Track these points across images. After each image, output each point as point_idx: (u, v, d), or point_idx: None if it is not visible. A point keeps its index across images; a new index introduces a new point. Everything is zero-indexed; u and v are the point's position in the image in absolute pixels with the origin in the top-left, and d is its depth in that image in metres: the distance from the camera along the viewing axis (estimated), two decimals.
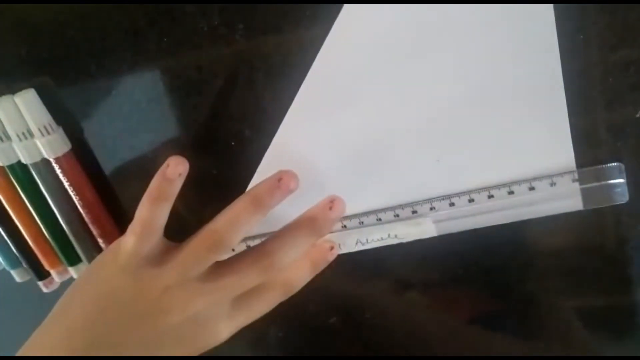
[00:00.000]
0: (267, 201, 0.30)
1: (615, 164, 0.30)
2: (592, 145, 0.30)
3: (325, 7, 0.29)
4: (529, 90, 0.30)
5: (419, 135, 0.32)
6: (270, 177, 0.31)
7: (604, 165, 0.30)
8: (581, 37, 0.28)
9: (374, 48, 0.30)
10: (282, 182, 0.30)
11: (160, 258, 0.30)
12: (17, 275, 0.40)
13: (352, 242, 0.35)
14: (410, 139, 0.32)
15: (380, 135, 0.32)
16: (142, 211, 0.30)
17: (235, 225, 0.30)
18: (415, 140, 0.32)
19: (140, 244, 0.30)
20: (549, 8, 0.28)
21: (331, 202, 0.33)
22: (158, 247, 0.31)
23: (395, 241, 0.35)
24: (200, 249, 0.30)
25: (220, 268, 0.31)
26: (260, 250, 0.31)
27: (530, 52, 0.29)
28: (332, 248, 0.35)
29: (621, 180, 0.31)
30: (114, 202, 0.37)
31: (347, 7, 0.29)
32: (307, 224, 0.32)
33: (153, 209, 0.30)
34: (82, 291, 0.31)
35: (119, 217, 0.37)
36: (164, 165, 0.30)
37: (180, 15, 0.30)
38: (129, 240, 0.30)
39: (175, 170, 0.30)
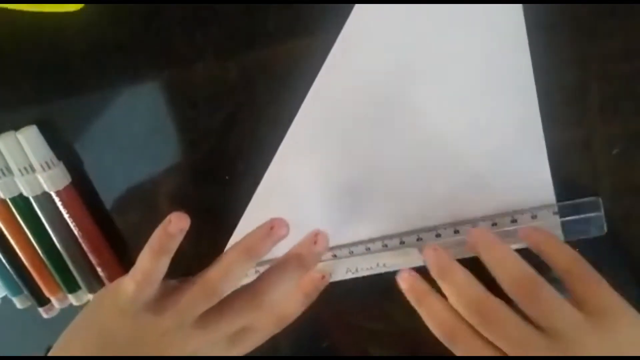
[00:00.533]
0: (259, 250, 0.31)
1: (593, 198, 0.32)
2: (571, 179, 0.31)
3: (319, 49, 0.31)
4: (509, 128, 0.31)
5: (406, 169, 0.33)
6: (261, 225, 0.32)
7: (582, 200, 0.32)
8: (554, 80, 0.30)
9: (360, 88, 0.32)
10: (273, 231, 0.31)
11: (158, 304, 0.31)
12: (18, 302, 0.41)
13: (342, 271, 0.36)
14: (398, 172, 0.34)
15: (369, 168, 0.34)
16: (143, 261, 0.32)
17: (228, 275, 0.31)
18: (403, 174, 0.33)
19: (140, 292, 0.31)
20: (526, 51, 0.29)
21: (315, 237, 0.34)
22: (156, 292, 0.32)
23: (384, 270, 0.36)
24: (195, 298, 0.31)
25: (213, 312, 0.32)
26: (250, 290, 0.32)
27: (507, 91, 0.31)
28: (323, 277, 0.36)
29: (599, 214, 0.32)
30: (113, 231, 0.38)
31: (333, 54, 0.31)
32: (294, 261, 0.33)
33: (153, 262, 0.31)
34: (83, 330, 0.33)
35: (117, 246, 0.39)
36: (167, 220, 0.32)
37: (177, 55, 0.32)
38: (129, 285, 0.31)
39: (176, 226, 0.31)
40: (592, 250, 0.32)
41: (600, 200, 0.31)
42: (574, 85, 0.30)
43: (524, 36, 0.29)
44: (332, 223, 0.35)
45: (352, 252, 0.36)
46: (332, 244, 0.36)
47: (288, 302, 0.35)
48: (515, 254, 0.30)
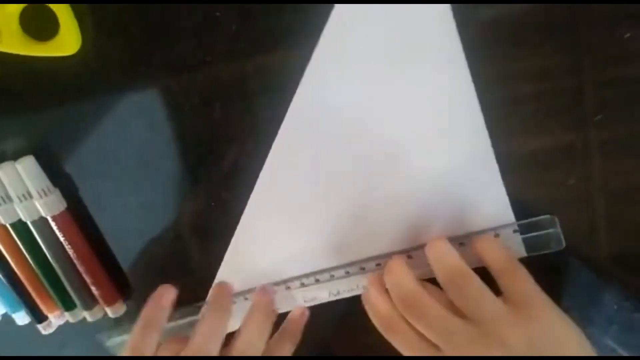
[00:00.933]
0: (158, 321, 0.35)
1: (548, 216, 0.34)
2: (527, 200, 0.34)
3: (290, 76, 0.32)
4: (462, 155, 0.33)
5: (370, 195, 0.35)
6: (152, 296, 0.36)
7: (538, 218, 0.34)
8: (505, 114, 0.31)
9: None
10: (162, 301, 0.35)
11: None
12: (18, 319, 0.43)
13: (325, 295, 0.38)
14: (367, 199, 0.35)
15: (344, 195, 0.36)
16: (134, 339, 0.34)
17: (143, 352, 0.34)
18: (371, 200, 0.35)
19: None
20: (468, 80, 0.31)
21: (263, 289, 0.37)
22: None
23: (363, 291, 0.38)
24: None
25: None
26: (231, 350, 0.34)
27: (453, 111, 0.32)
28: (302, 313, 0.38)
29: (556, 230, 0.34)
30: (106, 253, 0.40)
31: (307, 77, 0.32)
32: (256, 315, 0.36)
33: (144, 339, 0.34)
34: None
35: (110, 267, 0.40)
36: (156, 293, 0.35)
37: (163, 94, 0.34)
38: None
39: (167, 299, 0.35)
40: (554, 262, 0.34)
41: (555, 217, 0.33)
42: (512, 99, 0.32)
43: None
44: (311, 250, 0.37)
45: (333, 275, 0.38)
46: (312, 269, 0.38)
47: (278, 347, 0.37)
48: (453, 250, 0.32)
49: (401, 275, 0.33)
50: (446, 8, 0.30)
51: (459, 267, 0.32)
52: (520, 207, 0.34)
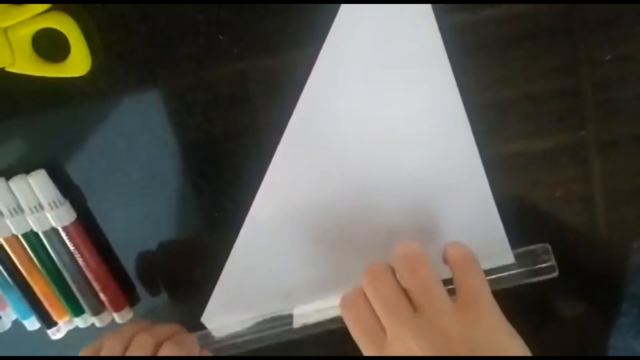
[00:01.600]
0: None
1: (543, 244, 0.35)
2: (521, 228, 0.35)
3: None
4: (456, 183, 0.35)
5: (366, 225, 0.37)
6: None
7: (534, 246, 0.35)
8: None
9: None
10: None
11: None
12: (28, 325, 0.44)
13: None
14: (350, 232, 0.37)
15: (339, 218, 0.37)
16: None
17: None
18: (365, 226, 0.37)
19: None
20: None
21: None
22: None
23: None
24: None
25: None
26: None
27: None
28: None
29: (550, 259, 0.35)
30: (114, 261, 0.42)
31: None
32: None
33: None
34: None
35: (118, 275, 0.42)
36: None
37: (167, 111, 0.36)
38: None
39: None
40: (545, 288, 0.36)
41: (549, 246, 0.35)
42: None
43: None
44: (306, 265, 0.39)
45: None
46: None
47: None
48: (419, 245, 0.33)
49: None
50: (427, 8, 0.31)
51: (416, 252, 0.32)
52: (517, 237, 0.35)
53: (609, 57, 0.31)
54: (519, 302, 0.35)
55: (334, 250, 0.38)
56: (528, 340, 0.31)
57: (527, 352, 0.30)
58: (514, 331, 0.31)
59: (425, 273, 0.31)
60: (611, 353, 0.36)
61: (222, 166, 0.37)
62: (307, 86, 0.34)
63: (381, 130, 0.34)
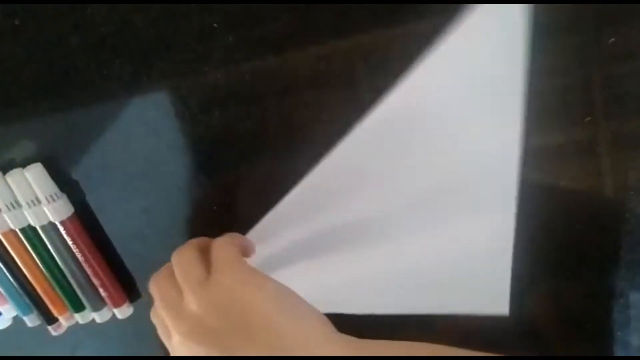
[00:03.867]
0: None
1: None
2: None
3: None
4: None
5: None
6: None
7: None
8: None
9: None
10: None
11: None
12: (29, 321, 0.44)
13: None
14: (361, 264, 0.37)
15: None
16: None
17: None
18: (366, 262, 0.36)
19: None
20: None
21: None
22: None
23: None
24: None
25: None
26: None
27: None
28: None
29: None
30: (113, 256, 0.42)
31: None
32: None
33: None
34: None
35: (117, 269, 0.42)
36: None
37: (164, 103, 0.35)
38: None
39: None
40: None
41: None
42: None
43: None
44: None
45: None
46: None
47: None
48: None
49: (187, 258, 0.33)
50: None
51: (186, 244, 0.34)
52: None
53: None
54: None
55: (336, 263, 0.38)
56: None
57: (281, 292, 0.30)
58: (266, 283, 0.30)
59: (183, 253, 0.33)
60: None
61: (220, 160, 0.36)
62: None
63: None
